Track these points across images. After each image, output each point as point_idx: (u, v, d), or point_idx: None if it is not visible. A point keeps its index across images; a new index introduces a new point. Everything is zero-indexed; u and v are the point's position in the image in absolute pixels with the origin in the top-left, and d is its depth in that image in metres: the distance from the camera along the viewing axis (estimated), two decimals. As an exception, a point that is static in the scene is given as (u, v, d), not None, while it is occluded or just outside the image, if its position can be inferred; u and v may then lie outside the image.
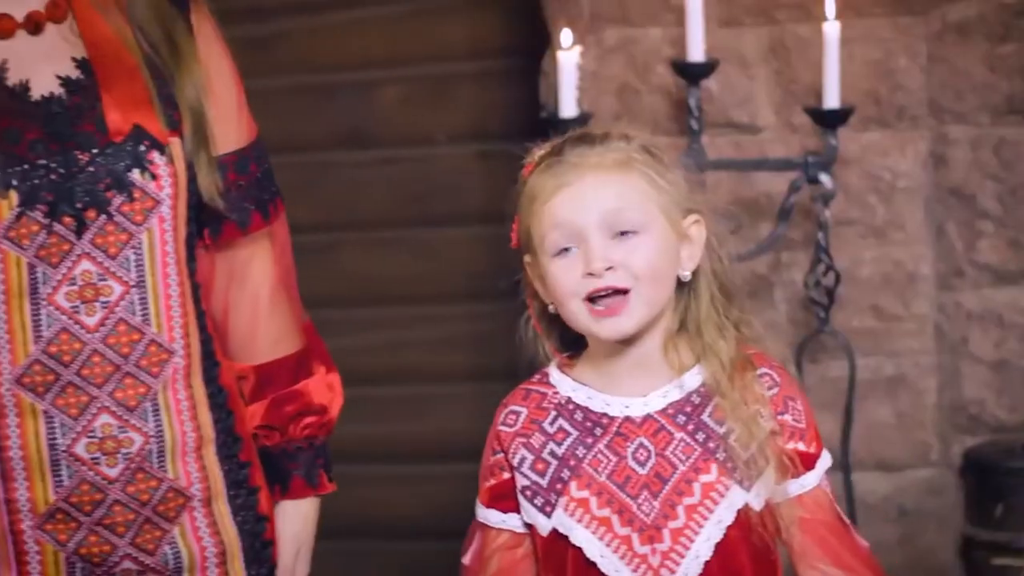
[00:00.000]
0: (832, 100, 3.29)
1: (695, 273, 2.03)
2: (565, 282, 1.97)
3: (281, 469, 2.17)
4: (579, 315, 1.98)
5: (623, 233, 1.97)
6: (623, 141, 2.01)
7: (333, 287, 4.23)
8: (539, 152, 2.05)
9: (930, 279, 3.53)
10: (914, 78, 3.48)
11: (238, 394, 2.13)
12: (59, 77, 1.95)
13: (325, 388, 2.21)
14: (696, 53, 3.35)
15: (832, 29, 3.27)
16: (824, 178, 3.37)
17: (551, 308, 2.03)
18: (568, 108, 3.27)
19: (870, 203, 3.53)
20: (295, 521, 2.18)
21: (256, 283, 2.15)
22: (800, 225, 3.50)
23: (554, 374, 2.07)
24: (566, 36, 3.28)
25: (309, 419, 2.18)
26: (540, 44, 3.74)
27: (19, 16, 1.96)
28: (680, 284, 2.03)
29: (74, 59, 1.97)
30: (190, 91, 2.00)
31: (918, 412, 3.57)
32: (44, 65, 1.95)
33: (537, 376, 2.08)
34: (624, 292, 1.96)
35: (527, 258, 2.05)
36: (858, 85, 3.45)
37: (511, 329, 3.81)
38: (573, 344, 2.08)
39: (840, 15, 3.29)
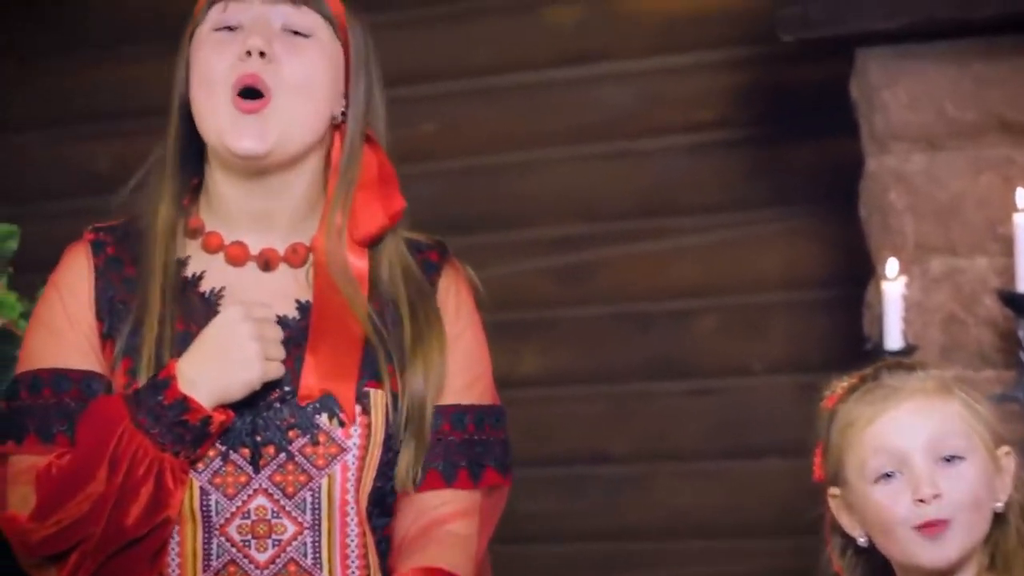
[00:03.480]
0: None
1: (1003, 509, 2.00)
2: (892, 510, 1.95)
3: None
4: (903, 542, 1.94)
5: (948, 459, 1.96)
6: (938, 369, 2.03)
7: (647, 518, 4.19)
8: (842, 383, 2.06)
9: None
10: None
11: None
12: (276, 315, 1.95)
13: None
14: (1025, 284, 3.25)
15: None
16: None
17: (861, 541, 2.00)
18: (893, 340, 3.20)
19: None
20: None
21: (455, 546, 2.01)
22: None
23: None
24: (892, 266, 3.23)
25: None
26: (858, 274, 3.68)
27: (254, 249, 2.00)
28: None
29: (297, 301, 1.98)
30: (416, 384, 1.96)
31: None
32: (265, 299, 1.97)
33: None
34: (946, 522, 1.94)
35: (834, 490, 2.03)
36: None
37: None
38: None
39: None
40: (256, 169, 1.97)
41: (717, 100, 4.17)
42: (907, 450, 1.95)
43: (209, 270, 2.00)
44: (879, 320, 3.32)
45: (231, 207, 2.00)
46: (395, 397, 1.95)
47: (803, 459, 4.04)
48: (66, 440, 1.92)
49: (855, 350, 3.85)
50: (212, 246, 2.01)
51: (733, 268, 4.18)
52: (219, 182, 2.01)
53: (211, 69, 1.95)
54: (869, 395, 2.00)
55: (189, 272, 1.99)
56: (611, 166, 4.24)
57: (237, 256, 1.99)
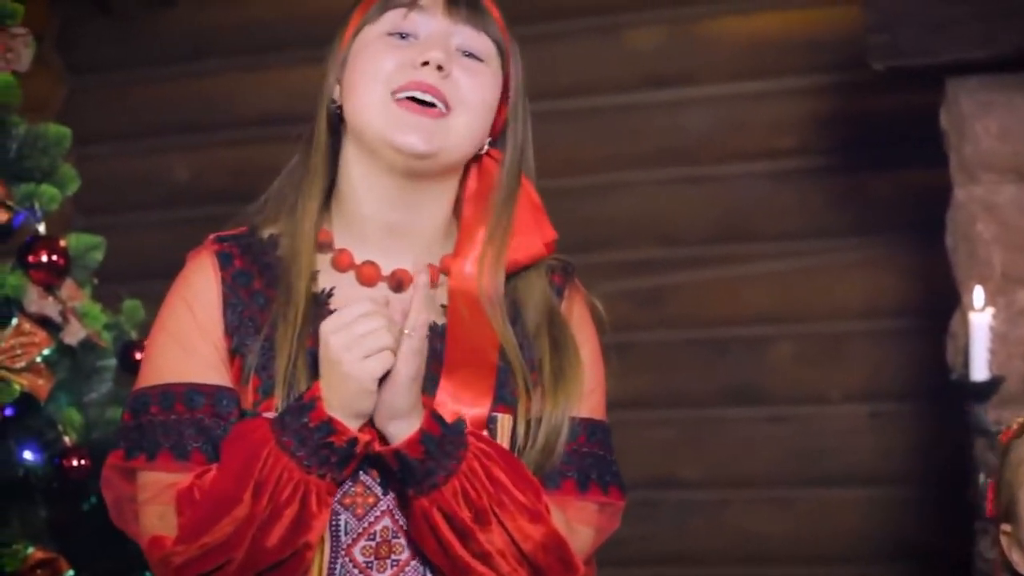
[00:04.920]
0: None
1: None
2: None
3: None
4: None
5: None
6: None
7: (720, 544, 4.17)
8: (1019, 419, 2.04)
9: None
10: None
11: None
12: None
13: None
14: (1114, 318, 3.22)
15: None
16: None
17: None
18: (979, 371, 3.17)
19: None
20: None
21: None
22: None
23: None
24: (978, 296, 3.20)
25: None
26: (937, 304, 3.66)
27: (386, 269, 1.96)
28: None
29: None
30: (556, 416, 1.93)
31: None
32: (396, 319, 1.91)
33: None
34: None
35: (1005, 527, 2.01)
36: None
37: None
38: None
39: None
40: (410, 171, 1.93)
41: (798, 127, 4.16)
42: None
43: (340, 287, 1.96)
44: (964, 351, 3.29)
45: (366, 218, 1.97)
46: (526, 422, 1.94)
47: (877, 488, 4.05)
48: (201, 457, 1.88)
49: (932, 380, 3.83)
50: (343, 265, 1.97)
51: (811, 296, 4.16)
52: (358, 189, 1.97)
53: (378, 69, 1.93)
54: None
55: (318, 287, 1.96)
56: (690, 191, 4.23)
57: (369, 277, 1.96)
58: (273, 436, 1.84)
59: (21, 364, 2.87)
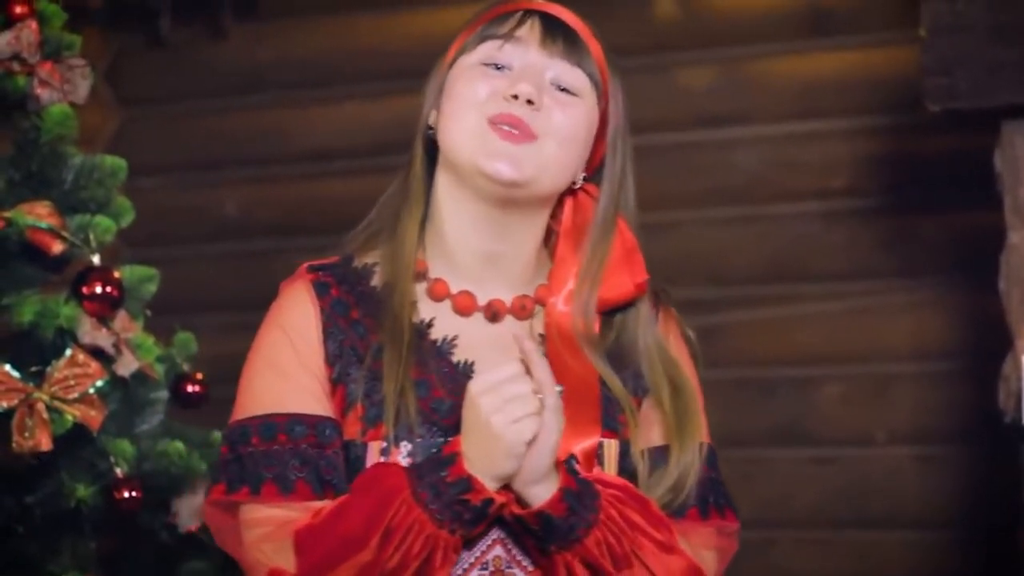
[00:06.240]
0: None
1: None
2: None
3: None
4: None
5: None
6: None
7: (766, 586, 4.16)
8: None
9: None
10: None
11: None
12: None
13: None
14: None
15: None
16: None
17: None
18: (1031, 415, 3.15)
19: None
20: None
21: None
22: None
23: None
24: (1031, 340, 3.19)
25: None
26: (985, 347, 3.65)
27: (481, 299, 1.98)
28: None
29: None
30: (687, 457, 1.97)
31: None
32: (493, 352, 1.94)
33: None
34: None
35: None
36: None
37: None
38: None
39: None
40: (500, 198, 1.94)
41: (849, 167, 4.15)
42: None
43: (438, 317, 1.97)
44: (1016, 394, 3.27)
45: (458, 247, 1.98)
46: (626, 445, 1.95)
47: (922, 531, 4.03)
48: (306, 489, 1.88)
49: (979, 423, 3.81)
50: (438, 294, 1.98)
51: (859, 337, 4.14)
52: (450, 217, 1.98)
53: (473, 95, 1.94)
54: None
55: (418, 318, 1.97)
56: (740, 230, 4.23)
57: (465, 306, 1.97)
58: (408, 485, 1.82)
59: (74, 395, 2.88)
